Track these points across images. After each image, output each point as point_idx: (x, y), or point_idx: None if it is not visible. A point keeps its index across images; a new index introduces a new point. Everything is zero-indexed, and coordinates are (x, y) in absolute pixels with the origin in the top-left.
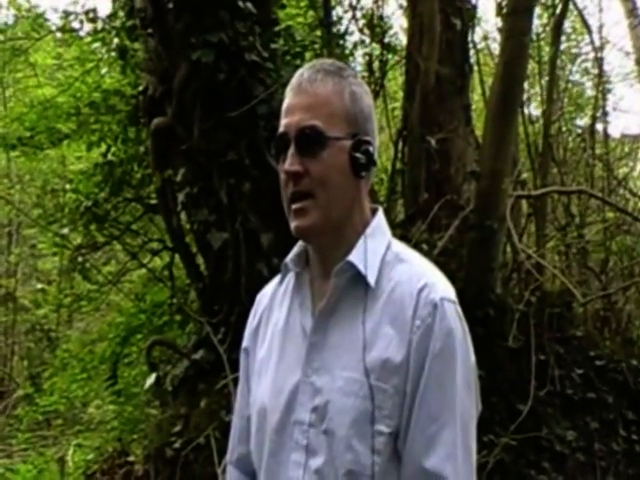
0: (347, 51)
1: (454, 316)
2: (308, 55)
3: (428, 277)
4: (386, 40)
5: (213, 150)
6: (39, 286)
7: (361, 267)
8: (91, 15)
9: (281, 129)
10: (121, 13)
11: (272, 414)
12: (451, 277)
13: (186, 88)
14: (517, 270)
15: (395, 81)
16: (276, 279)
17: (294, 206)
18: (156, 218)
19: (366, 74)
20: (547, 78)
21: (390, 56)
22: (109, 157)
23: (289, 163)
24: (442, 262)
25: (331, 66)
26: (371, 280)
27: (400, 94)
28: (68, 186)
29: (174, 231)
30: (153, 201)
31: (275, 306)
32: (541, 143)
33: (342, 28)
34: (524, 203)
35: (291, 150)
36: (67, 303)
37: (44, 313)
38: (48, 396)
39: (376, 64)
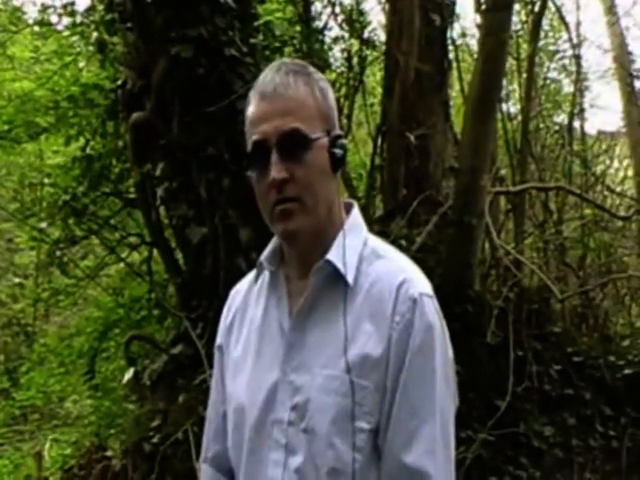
0: (326, 46)
1: (433, 311)
2: (287, 50)
3: (407, 272)
4: (365, 36)
5: (192, 145)
6: (16, 280)
7: (340, 265)
8: (69, 9)
9: (257, 137)
10: (100, 7)
11: (250, 412)
12: (430, 273)
13: (165, 82)
14: (495, 266)
15: (374, 77)
16: (250, 276)
17: (280, 207)
18: (135, 212)
19: (345, 69)
20: (525, 75)
21: (369, 52)
22: (88, 151)
23: (276, 170)
24: (421, 258)
25: (296, 66)
26: (350, 279)
27: (379, 90)
28: (46, 180)
29: (153, 226)
30: (132, 195)
31: (250, 304)
32: (519, 140)
33: (321, 23)
34: (503, 199)
35: (274, 157)
36: (45, 297)
37: (21, 307)
38: (25, 390)
39: (355, 60)
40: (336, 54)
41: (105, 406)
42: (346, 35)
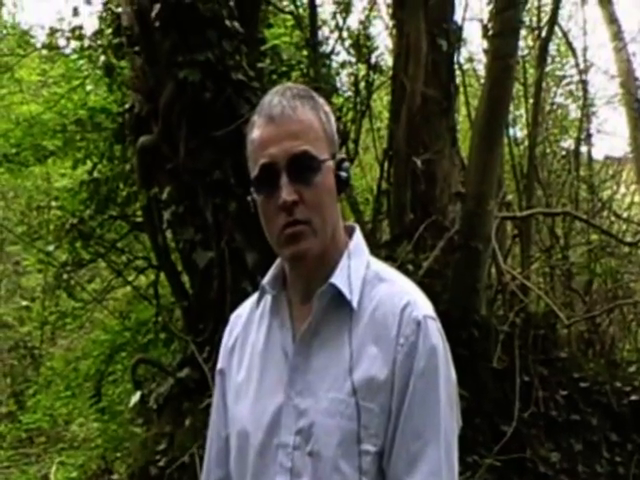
0: (333, 71)
1: (436, 334)
2: (294, 74)
3: (410, 295)
4: (372, 60)
5: (199, 169)
6: (23, 303)
7: (344, 289)
8: (77, 32)
9: (265, 160)
10: (107, 31)
11: (254, 437)
12: (436, 298)
13: (172, 107)
14: (502, 291)
15: (380, 101)
16: (251, 300)
17: (289, 230)
18: (141, 236)
19: (352, 94)
20: (532, 100)
21: (376, 76)
22: (95, 174)
23: (286, 193)
24: (427, 283)
25: (302, 91)
26: (354, 302)
27: (385, 114)
28: (54, 203)
29: (159, 249)
30: (139, 219)
31: (252, 329)
32: (526, 165)
33: (328, 48)
34: (509, 224)
35: (284, 180)
36: (52, 320)
37: (28, 330)
38: (32, 413)
39: (362, 84)
40: (343, 79)
41: (112, 429)
42: (353, 60)
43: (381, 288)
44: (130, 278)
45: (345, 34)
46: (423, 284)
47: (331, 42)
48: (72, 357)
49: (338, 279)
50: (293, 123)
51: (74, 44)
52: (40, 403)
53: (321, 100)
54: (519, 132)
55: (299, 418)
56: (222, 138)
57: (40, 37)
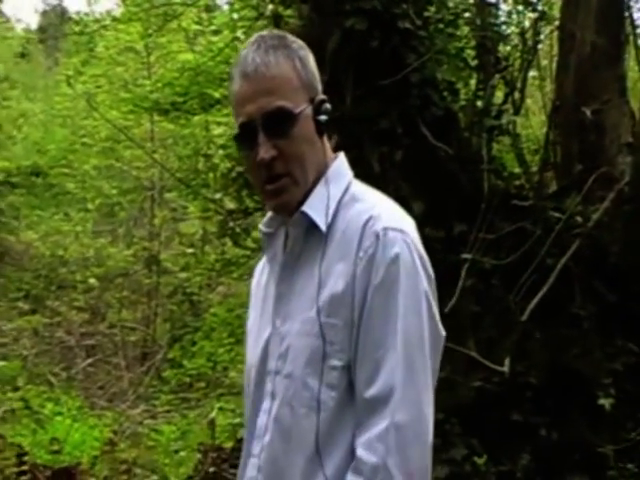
0: (500, 19)
1: (400, 244)
2: (461, 22)
3: (374, 210)
4: (540, 9)
5: (365, 118)
6: (189, 250)
7: (313, 215)
8: None
9: (243, 119)
10: None
11: (254, 369)
12: (605, 251)
13: (339, 56)
14: None
15: (541, 51)
16: None
17: (271, 187)
18: None
19: (519, 43)
20: None
21: (543, 24)
22: None
23: (264, 150)
24: (596, 235)
25: (274, 40)
26: (322, 226)
27: (545, 64)
28: (221, 151)
29: None
30: None
31: (265, 271)
32: None
33: None
34: None
35: (261, 137)
36: (217, 267)
37: (187, 276)
38: (194, 359)
39: (529, 33)
40: (510, 27)
41: None
42: (520, 8)
43: (353, 209)
44: None
45: None
46: (592, 236)
47: None
48: (234, 304)
49: (309, 206)
50: (266, 80)
51: None
52: (204, 349)
53: (296, 45)
54: None
55: (281, 343)
56: (388, 87)
57: None
